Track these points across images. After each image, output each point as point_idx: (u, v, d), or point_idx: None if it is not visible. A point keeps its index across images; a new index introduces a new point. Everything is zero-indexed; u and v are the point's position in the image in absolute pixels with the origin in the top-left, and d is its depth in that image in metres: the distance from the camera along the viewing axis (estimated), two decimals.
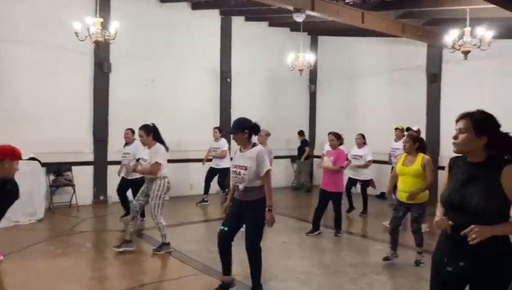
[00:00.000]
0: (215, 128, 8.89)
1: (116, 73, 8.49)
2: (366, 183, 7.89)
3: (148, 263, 5.16)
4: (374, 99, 10.44)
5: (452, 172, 2.35)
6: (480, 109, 2.24)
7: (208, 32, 9.93)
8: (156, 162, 5.19)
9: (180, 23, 9.38)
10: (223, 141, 8.61)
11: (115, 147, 8.06)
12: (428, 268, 2.45)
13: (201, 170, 8.80)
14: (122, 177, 7.05)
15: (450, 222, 2.20)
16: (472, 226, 2.04)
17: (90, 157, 8.37)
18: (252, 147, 3.94)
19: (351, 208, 7.84)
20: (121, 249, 5.31)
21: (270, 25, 10.88)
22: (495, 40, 6.53)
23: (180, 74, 9.45)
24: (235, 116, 9.82)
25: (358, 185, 8.00)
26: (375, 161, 8.09)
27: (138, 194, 5.48)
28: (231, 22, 10.28)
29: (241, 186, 3.89)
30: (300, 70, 8.58)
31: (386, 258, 5.08)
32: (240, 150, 4.03)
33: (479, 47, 5.95)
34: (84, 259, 5.21)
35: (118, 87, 8.54)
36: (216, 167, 8.64)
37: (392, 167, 7.94)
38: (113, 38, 6.25)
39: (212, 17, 9.96)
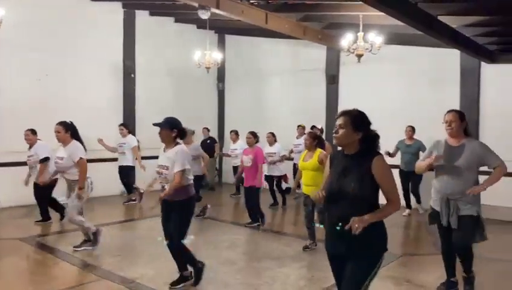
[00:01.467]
0: (121, 125, 8.53)
1: (4, 66, 7.71)
2: (281, 179, 8.21)
3: (45, 271, 4.78)
4: (279, 98, 10.79)
5: (333, 165, 2.66)
6: (356, 108, 2.59)
7: (110, 26, 9.44)
8: (81, 158, 5.05)
9: (79, 15, 8.77)
10: (131, 137, 8.30)
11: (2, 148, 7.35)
12: (324, 259, 2.63)
13: (107, 169, 8.36)
14: (35, 182, 6.52)
15: (323, 192, 2.54)
16: (352, 219, 2.31)
17: None
18: (174, 147, 3.93)
19: (275, 203, 8.29)
20: (80, 249, 5.21)
21: (176, 21, 10.68)
22: (386, 45, 7.15)
23: (78, 68, 8.85)
24: (139, 113, 9.67)
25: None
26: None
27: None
28: (135, 16, 9.91)
29: (166, 186, 3.88)
30: (208, 68, 8.56)
31: (305, 247, 5.45)
32: (164, 149, 4.02)
33: (370, 51, 6.45)
34: None
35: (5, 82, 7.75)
36: (119, 164, 8.31)
37: (294, 163, 8.39)
38: None
39: (114, 10, 9.50)
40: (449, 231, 3.87)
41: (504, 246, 5.73)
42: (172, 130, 3.93)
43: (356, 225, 2.30)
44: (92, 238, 5.32)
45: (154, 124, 4.00)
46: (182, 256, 4.09)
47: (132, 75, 9.87)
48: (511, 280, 4.60)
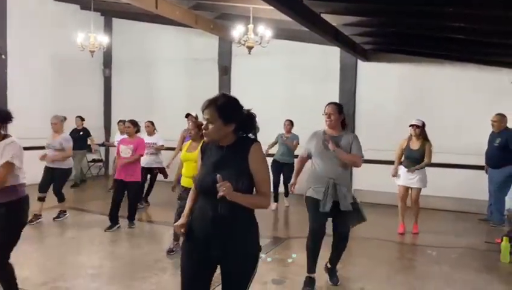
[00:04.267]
0: None
1: None
2: (161, 171, 7.80)
3: None
4: (170, 87, 10.54)
5: (205, 156, 2.37)
6: (223, 93, 2.34)
7: None
8: None
9: None
10: None
11: None
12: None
13: None
14: None
15: (183, 230, 2.32)
16: (224, 182, 2.06)
17: None
18: (1, 140, 3.21)
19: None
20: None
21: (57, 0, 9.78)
22: (275, 40, 7.42)
23: None
24: (12, 100, 8.66)
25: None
26: (168, 148, 7.84)
27: None
28: None
29: None
30: (92, 52, 7.99)
31: (170, 251, 4.97)
32: None
33: (260, 44, 6.63)
34: None
35: None
36: None
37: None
38: None
39: None
40: (324, 222, 3.96)
41: (373, 225, 6.39)
42: None
43: (224, 188, 2.04)
44: None
45: None
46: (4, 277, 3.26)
47: (3, 56, 8.77)
48: (381, 251, 5.17)
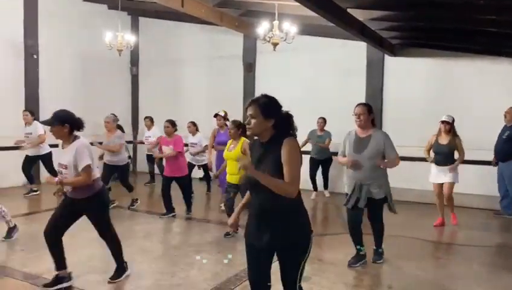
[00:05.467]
0: (26, 110, 7.79)
1: None
2: (206, 167, 8.13)
3: None
4: (195, 84, 10.64)
5: (252, 154, 2.66)
6: (264, 94, 2.56)
7: (8, 1, 8.54)
8: None
9: None
10: (36, 124, 7.55)
11: None
12: (241, 243, 2.66)
13: (8, 158, 7.65)
14: None
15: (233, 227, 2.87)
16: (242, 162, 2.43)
17: None
18: (72, 142, 3.60)
19: None
20: None
21: (85, 0, 10.00)
22: (300, 36, 7.38)
23: None
24: (44, 97, 8.93)
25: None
26: None
27: None
28: None
29: (68, 187, 3.62)
30: (120, 51, 8.14)
31: (227, 234, 5.44)
32: (62, 146, 3.69)
33: (285, 40, 6.61)
34: None
35: None
36: (31, 154, 7.68)
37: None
38: None
39: None
40: (356, 212, 4.36)
41: (408, 224, 6.30)
42: (64, 125, 3.57)
43: (244, 164, 2.39)
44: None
45: (42, 122, 3.66)
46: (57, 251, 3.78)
47: (35, 56, 9.05)
48: (409, 248, 5.10)
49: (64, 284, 3.75)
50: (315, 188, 8.16)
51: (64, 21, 9.62)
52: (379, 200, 4.31)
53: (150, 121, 9.05)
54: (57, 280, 3.74)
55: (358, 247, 4.50)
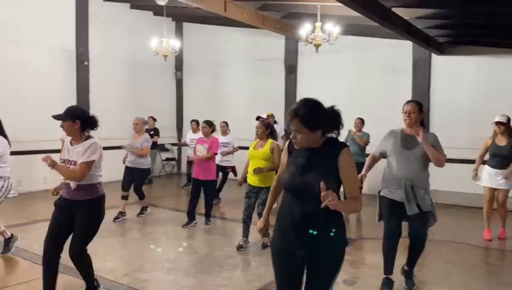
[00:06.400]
0: None
1: None
2: (233, 170, 8.11)
3: None
4: (238, 87, 10.76)
5: (292, 155, 2.40)
6: (304, 101, 2.27)
7: (60, 10, 9.01)
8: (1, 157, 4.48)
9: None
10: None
11: None
12: None
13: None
14: None
15: (262, 233, 2.58)
16: (329, 191, 2.04)
17: None
18: (85, 140, 3.47)
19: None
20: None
21: (132, 7, 10.39)
22: (343, 36, 7.29)
23: (27, 55, 8.41)
24: (94, 102, 9.34)
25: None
26: (241, 148, 8.05)
27: None
28: (87, 1, 9.52)
29: (72, 184, 3.42)
30: (165, 56, 8.37)
31: (239, 247, 5.14)
32: (71, 142, 3.53)
33: (327, 41, 6.55)
34: None
35: None
36: None
37: None
38: None
39: None
40: (399, 223, 3.87)
41: (457, 228, 6.07)
42: (75, 121, 3.43)
43: (330, 198, 2.01)
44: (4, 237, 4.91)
45: (54, 117, 3.49)
46: (84, 265, 3.63)
47: (86, 63, 9.51)
48: (458, 255, 4.90)
49: None
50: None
51: (113, 28, 10.03)
52: (426, 213, 3.80)
53: (196, 124, 9.24)
54: None
55: (391, 267, 3.96)
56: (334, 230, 2.25)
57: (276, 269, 2.43)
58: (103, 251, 4.89)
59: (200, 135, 8.90)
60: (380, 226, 3.97)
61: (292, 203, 2.31)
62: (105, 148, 3.64)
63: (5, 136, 4.60)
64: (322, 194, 2.04)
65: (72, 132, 3.47)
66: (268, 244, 5.01)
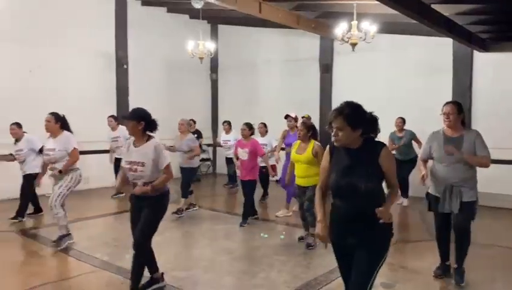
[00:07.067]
0: (110, 116, 8.44)
1: None
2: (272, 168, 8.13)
3: (41, 263, 4.77)
4: (273, 88, 10.76)
5: (334, 157, 2.61)
6: (347, 103, 2.49)
7: (101, 16, 9.34)
8: (75, 148, 5.08)
9: (69, 5, 8.67)
10: (121, 128, 8.10)
11: None
12: (320, 246, 2.63)
13: (99, 162, 8.34)
14: (24, 175, 6.42)
15: (323, 239, 2.61)
16: (377, 210, 2.35)
17: None
18: (147, 141, 3.71)
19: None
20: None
21: (169, 11, 10.61)
22: (379, 34, 7.15)
23: (69, 59, 8.77)
24: (133, 104, 9.50)
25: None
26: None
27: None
28: (126, 6, 9.81)
29: (139, 183, 3.67)
30: (201, 58, 8.51)
31: (300, 238, 5.39)
32: (134, 144, 3.73)
33: (364, 40, 6.45)
34: None
35: None
36: (117, 156, 8.27)
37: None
38: None
39: (105, 0, 9.41)
40: (447, 217, 4.02)
41: (503, 232, 5.83)
42: (139, 122, 3.65)
43: (386, 216, 2.37)
44: (61, 232, 5.17)
45: (122, 117, 3.84)
46: (147, 257, 3.84)
47: (125, 66, 9.79)
48: (502, 259, 4.70)
49: (160, 284, 3.93)
50: (405, 194, 7.66)
51: (150, 32, 10.27)
52: (470, 203, 3.88)
53: (228, 125, 9.32)
54: (152, 282, 3.90)
55: (445, 255, 4.21)
56: (381, 220, 2.41)
57: (336, 256, 2.71)
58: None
59: (231, 135, 9.06)
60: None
61: (341, 204, 2.55)
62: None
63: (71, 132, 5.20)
64: (377, 215, 2.35)
65: (135, 131, 3.69)
66: (312, 244, 5.09)
